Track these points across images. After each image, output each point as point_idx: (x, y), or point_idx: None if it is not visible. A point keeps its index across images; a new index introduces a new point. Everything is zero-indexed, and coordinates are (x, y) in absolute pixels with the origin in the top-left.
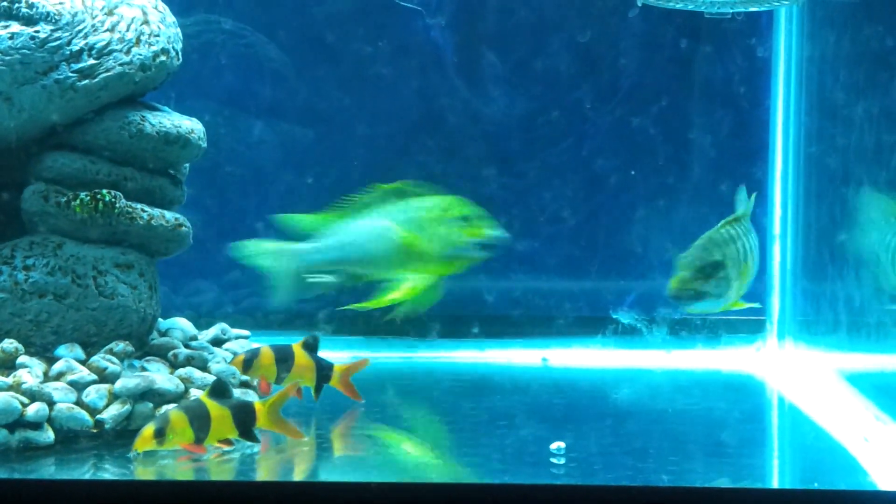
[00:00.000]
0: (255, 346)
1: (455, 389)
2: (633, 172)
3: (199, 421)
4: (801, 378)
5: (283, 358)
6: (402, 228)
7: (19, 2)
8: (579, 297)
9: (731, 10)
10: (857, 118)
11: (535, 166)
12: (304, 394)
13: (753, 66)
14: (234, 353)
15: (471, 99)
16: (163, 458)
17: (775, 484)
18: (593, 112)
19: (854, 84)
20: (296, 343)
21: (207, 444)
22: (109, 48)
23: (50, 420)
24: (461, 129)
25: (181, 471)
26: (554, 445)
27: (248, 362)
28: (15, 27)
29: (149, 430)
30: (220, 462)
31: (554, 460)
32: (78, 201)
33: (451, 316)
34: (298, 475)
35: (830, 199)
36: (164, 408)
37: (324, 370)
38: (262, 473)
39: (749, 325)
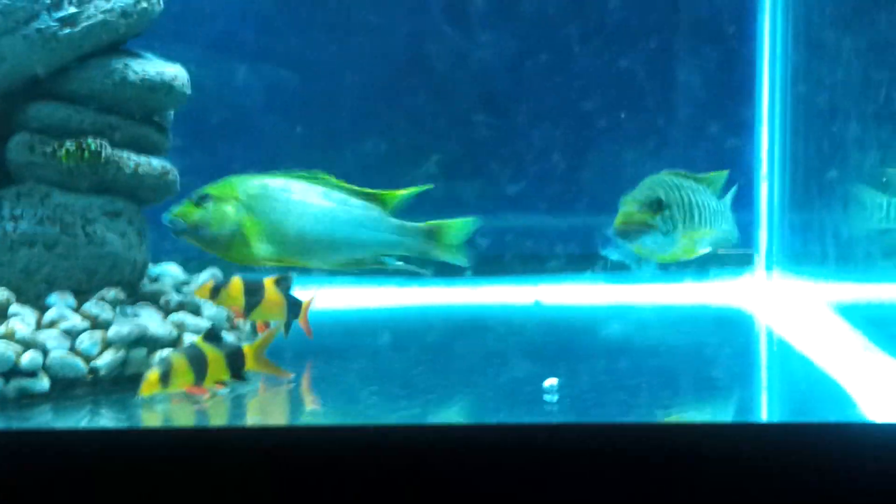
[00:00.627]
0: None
1: (448, 330)
2: (622, 114)
3: (198, 364)
4: (790, 310)
5: (253, 290)
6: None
7: None
8: (569, 236)
9: None
10: (844, 53)
11: (523, 108)
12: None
13: (740, 2)
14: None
15: (458, 41)
16: (159, 402)
17: (765, 417)
18: (581, 52)
19: (841, 18)
20: (268, 278)
21: (205, 385)
22: None
23: (45, 368)
24: (448, 71)
25: (180, 413)
26: (547, 382)
27: (216, 290)
28: None
29: (153, 374)
30: (214, 404)
31: (547, 397)
32: (64, 150)
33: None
34: (294, 419)
35: (818, 134)
36: (160, 353)
37: (294, 307)
38: (258, 417)
39: (737, 259)
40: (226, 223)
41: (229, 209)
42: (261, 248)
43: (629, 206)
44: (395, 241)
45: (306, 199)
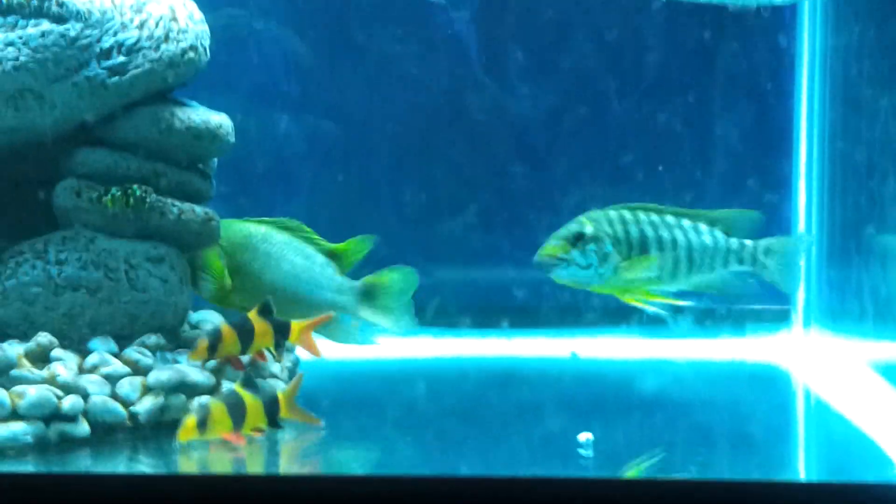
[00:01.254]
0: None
1: (483, 382)
2: (660, 168)
3: (236, 411)
4: (828, 367)
5: (242, 329)
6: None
7: (49, 0)
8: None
9: (756, 4)
10: (882, 110)
11: (560, 160)
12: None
13: (778, 58)
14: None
15: (496, 94)
16: (196, 448)
17: (801, 476)
18: (618, 107)
19: (879, 76)
20: (251, 311)
21: (243, 433)
22: (139, 45)
23: (85, 413)
24: (486, 123)
25: (217, 460)
26: (582, 437)
27: (213, 347)
28: (46, 25)
29: (191, 420)
30: (253, 452)
31: (581, 451)
32: (109, 196)
33: (480, 307)
34: (331, 468)
35: (856, 191)
36: (198, 399)
37: (280, 329)
38: (295, 466)
39: (775, 315)
40: (211, 269)
41: (213, 255)
42: (235, 296)
43: (551, 239)
44: (336, 300)
45: (282, 253)
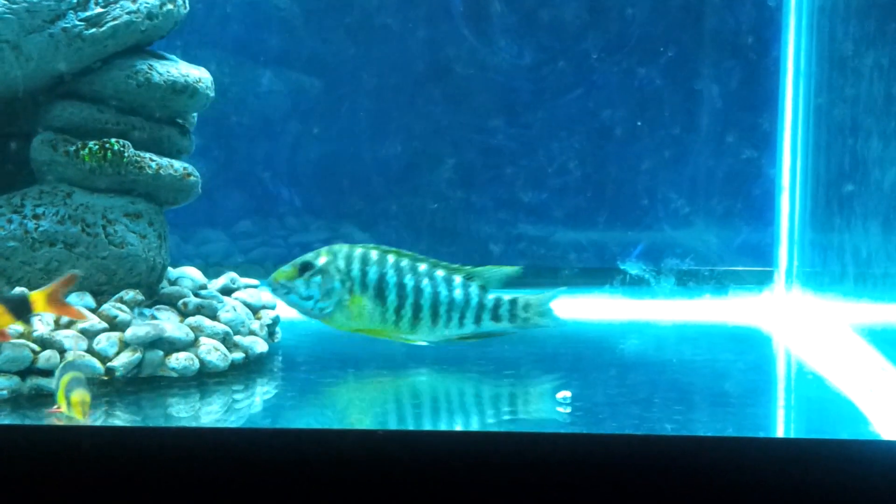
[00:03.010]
0: None
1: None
2: (639, 123)
3: None
4: (808, 328)
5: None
6: None
7: None
8: (587, 248)
9: None
10: (866, 69)
11: (542, 117)
12: None
13: (763, 15)
14: (244, 303)
15: (478, 49)
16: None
17: (779, 434)
18: (600, 62)
19: (865, 35)
20: None
21: None
22: None
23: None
24: (468, 78)
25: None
26: (560, 395)
27: None
28: None
29: None
30: (229, 407)
31: (560, 409)
32: (86, 150)
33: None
34: (309, 422)
35: (839, 149)
36: (174, 356)
37: (14, 304)
38: (273, 419)
39: (757, 276)
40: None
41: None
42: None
43: (289, 264)
44: None
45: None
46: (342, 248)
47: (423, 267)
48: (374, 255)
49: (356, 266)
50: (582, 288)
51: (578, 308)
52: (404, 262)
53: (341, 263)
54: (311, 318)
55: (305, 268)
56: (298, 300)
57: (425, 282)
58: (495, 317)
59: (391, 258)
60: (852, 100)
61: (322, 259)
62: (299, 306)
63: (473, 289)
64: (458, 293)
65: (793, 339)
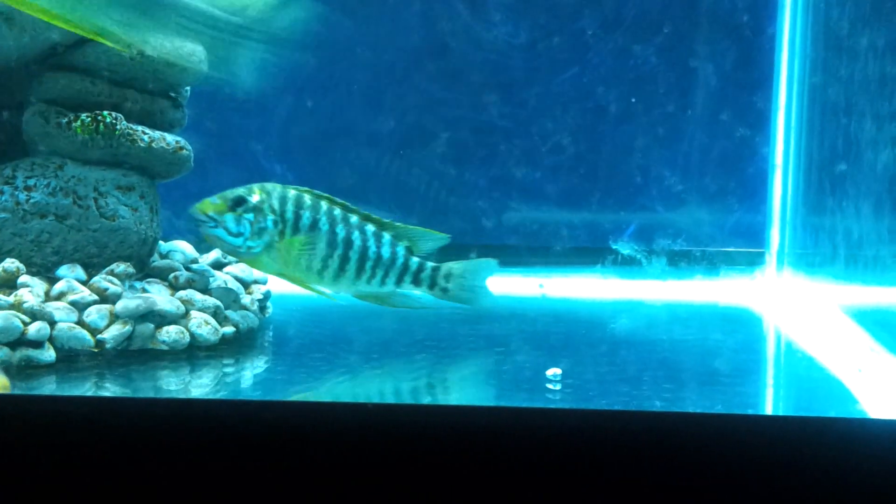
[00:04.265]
0: None
1: (452, 316)
2: (633, 100)
3: None
4: (799, 309)
5: None
6: None
7: None
8: (579, 227)
9: None
10: (861, 49)
11: (537, 95)
12: None
13: None
14: (235, 277)
15: (473, 26)
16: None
17: (768, 411)
18: (595, 40)
19: (861, 15)
20: None
21: None
22: None
23: (51, 339)
24: (463, 55)
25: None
26: (550, 371)
27: None
28: None
29: None
30: (219, 380)
31: (550, 386)
32: (79, 122)
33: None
34: (302, 394)
35: (832, 130)
36: (164, 329)
37: None
38: (264, 392)
39: (748, 257)
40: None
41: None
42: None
43: (217, 195)
44: None
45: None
46: (275, 188)
47: (354, 218)
48: (307, 198)
49: (290, 208)
50: (573, 267)
51: (570, 287)
52: (337, 211)
53: (275, 203)
54: (233, 255)
55: (238, 202)
56: (225, 235)
57: (356, 234)
58: (416, 280)
59: (324, 204)
60: (847, 80)
61: (255, 196)
62: (225, 242)
63: (400, 248)
64: (385, 250)
65: (783, 319)
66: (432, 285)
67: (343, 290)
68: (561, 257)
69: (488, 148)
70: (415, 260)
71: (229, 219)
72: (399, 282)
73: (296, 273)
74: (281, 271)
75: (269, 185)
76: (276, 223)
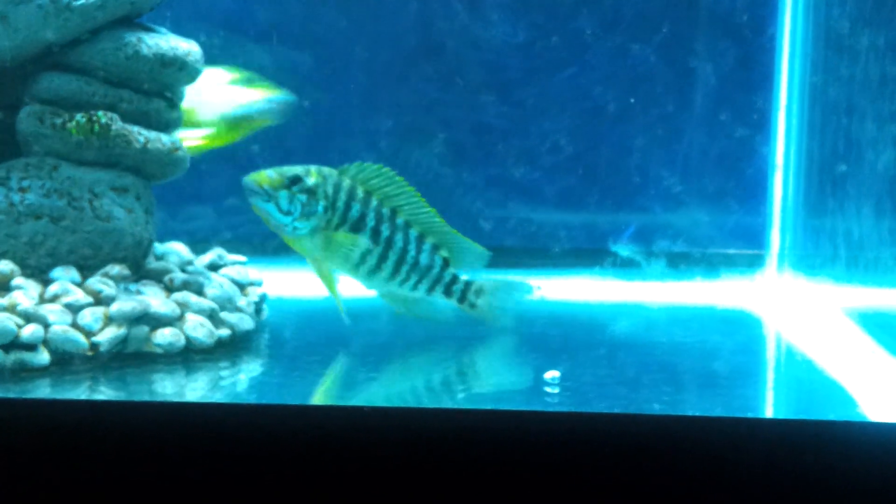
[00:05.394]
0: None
1: (451, 318)
2: (632, 101)
3: None
4: (798, 311)
5: None
6: None
7: None
8: (577, 229)
9: None
10: (862, 49)
11: (534, 94)
12: None
13: None
14: (231, 279)
15: (470, 25)
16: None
17: (767, 414)
18: (594, 40)
19: (860, 15)
20: None
21: None
22: None
23: (45, 342)
24: (459, 54)
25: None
26: (548, 375)
27: None
28: None
29: None
30: (215, 383)
31: (548, 389)
32: (74, 123)
33: None
34: (295, 398)
35: (833, 130)
36: (159, 332)
37: None
38: (253, 395)
39: (748, 259)
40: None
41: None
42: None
43: (273, 170)
44: None
45: None
46: (332, 174)
47: (400, 219)
48: (360, 191)
49: (342, 197)
50: (572, 269)
51: (569, 289)
52: (385, 210)
53: (329, 189)
54: (277, 232)
55: (294, 181)
56: (275, 211)
57: (399, 236)
58: (448, 291)
59: (374, 201)
60: (847, 80)
61: (312, 178)
62: (273, 218)
63: (438, 258)
64: (424, 257)
65: (783, 322)
66: (462, 299)
67: (375, 288)
68: (559, 259)
69: (485, 148)
70: (450, 271)
71: (283, 195)
72: (431, 290)
73: (333, 262)
74: (318, 258)
75: (325, 170)
76: (326, 209)
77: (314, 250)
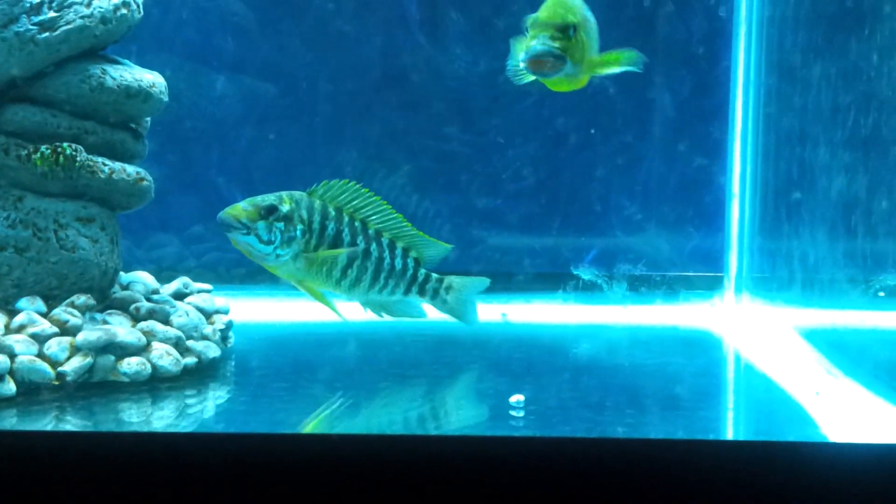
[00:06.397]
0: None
1: (416, 343)
2: (592, 131)
3: None
4: (757, 333)
5: None
6: None
7: None
8: (540, 254)
9: None
10: (814, 79)
11: (496, 124)
12: None
13: (714, 25)
14: (197, 307)
15: (433, 55)
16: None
17: (729, 436)
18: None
19: (812, 45)
20: None
21: None
22: (70, 1)
23: (11, 372)
24: (423, 85)
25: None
26: (513, 398)
27: None
28: None
29: None
30: (181, 412)
31: (513, 413)
32: (39, 154)
33: None
34: (262, 426)
35: (787, 158)
36: (125, 361)
37: None
38: (226, 424)
39: (707, 282)
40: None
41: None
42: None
43: (245, 201)
44: None
45: None
46: (302, 197)
47: (371, 230)
48: (331, 209)
49: (317, 218)
50: (535, 293)
51: (532, 313)
52: (357, 223)
53: (304, 213)
54: (259, 262)
55: (270, 211)
56: (256, 243)
57: (373, 245)
58: (421, 291)
59: (346, 216)
60: (800, 109)
61: (286, 205)
62: (255, 249)
63: (410, 260)
64: (398, 262)
65: (742, 343)
66: (434, 296)
67: (356, 299)
68: (523, 284)
69: (449, 176)
70: (422, 271)
71: (261, 226)
72: (406, 292)
73: (317, 281)
74: (302, 279)
75: (296, 194)
76: (304, 233)
77: (298, 273)
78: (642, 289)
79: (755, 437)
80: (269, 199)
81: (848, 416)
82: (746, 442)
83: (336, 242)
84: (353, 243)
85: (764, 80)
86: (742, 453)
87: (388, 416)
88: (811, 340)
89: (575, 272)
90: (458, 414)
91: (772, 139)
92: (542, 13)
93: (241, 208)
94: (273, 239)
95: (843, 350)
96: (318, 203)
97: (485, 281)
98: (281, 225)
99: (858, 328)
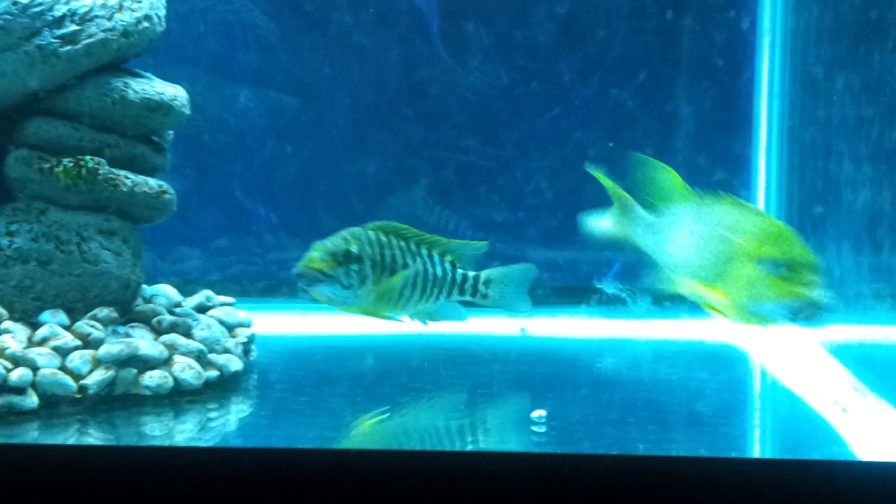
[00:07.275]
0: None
1: (436, 357)
2: (611, 144)
3: None
4: (783, 349)
5: None
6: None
7: None
8: (562, 267)
9: None
10: (837, 91)
11: (517, 137)
12: None
13: (737, 38)
14: (219, 320)
15: (453, 68)
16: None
17: (754, 454)
18: (575, 84)
19: (836, 58)
20: None
21: None
22: (92, 14)
23: (34, 385)
24: (443, 98)
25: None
26: (535, 414)
27: None
28: None
29: None
30: (203, 426)
31: (535, 428)
32: (61, 167)
33: None
34: (280, 440)
35: (811, 171)
36: (147, 374)
37: None
38: (247, 438)
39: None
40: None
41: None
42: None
43: (316, 250)
44: None
45: None
46: (360, 232)
47: (412, 245)
48: (382, 237)
49: (377, 250)
50: (558, 307)
51: (554, 327)
52: (402, 242)
53: (367, 249)
54: (341, 307)
55: (346, 256)
56: (340, 290)
57: (418, 261)
58: (461, 291)
59: (393, 240)
60: (824, 122)
61: (354, 245)
62: (338, 296)
63: (447, 264)
64: (438, 269)
65: (767, 358)
66: (475, 293)
67: (409, 314)
68: (542, 298)
69: (469, 189)
70: (459, 272)
71: (341, 273)
72: (448, 295)
73: (387, 307)
74: (377, 310)
75: (355, 231)
76: (373, 268)
77: (370, 306)
78: (666, 303)
79: (780, 454)
80: (338, 243)
81: (875, 432)
82: (771, 460)
83: (394, 268)
84: (405, 264)
85: (787, 93)
86: (767, 471)
87: (408, 430)
88: (837, 356)
89: (598, 286)
90: (479, 429)
91: (796, 152)
92: (800, 253)
93: (318, 259)
94: (352, 282)
95: (869, 366)
96: (371, 234)
97: (530, 267)
98: (356, 266)
99: (885, 343)
